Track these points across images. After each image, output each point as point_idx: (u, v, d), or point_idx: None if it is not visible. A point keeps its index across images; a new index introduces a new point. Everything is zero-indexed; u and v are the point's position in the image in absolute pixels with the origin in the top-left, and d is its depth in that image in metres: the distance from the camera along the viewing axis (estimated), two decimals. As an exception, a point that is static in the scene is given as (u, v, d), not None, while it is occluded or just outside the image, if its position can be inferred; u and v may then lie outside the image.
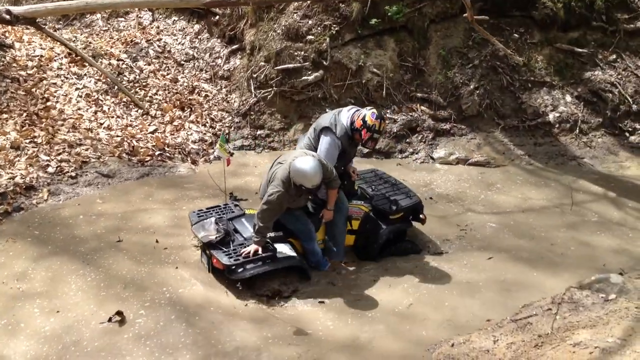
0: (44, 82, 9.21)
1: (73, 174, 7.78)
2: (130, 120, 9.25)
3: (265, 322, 5.46)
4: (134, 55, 10.65)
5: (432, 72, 10.21)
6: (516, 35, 10.22)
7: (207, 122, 9.76)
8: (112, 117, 9.15)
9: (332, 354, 5.08)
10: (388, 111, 9.89)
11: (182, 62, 10.91)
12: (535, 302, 5.50)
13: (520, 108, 9.92)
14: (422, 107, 10.01)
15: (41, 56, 9.68)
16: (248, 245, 5.75)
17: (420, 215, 6.65)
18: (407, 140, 9.76)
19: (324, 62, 9.86)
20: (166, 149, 8.91)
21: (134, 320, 5.34)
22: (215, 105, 10.16)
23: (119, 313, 5.32)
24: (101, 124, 8.92)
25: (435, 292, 5.97)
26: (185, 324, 5.35)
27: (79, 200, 7.47)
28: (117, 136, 8.75)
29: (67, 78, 9.52)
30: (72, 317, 5.36)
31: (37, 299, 5.61)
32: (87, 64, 9.88)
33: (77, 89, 9.37)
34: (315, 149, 6.04)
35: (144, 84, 10.11)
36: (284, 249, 5.87)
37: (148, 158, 8.51)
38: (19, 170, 7.50)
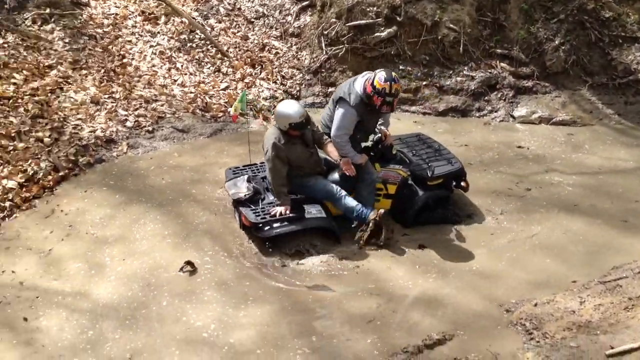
0: (120, 39, 9.90)
1: (150, 128, 8.45)
2: (203, 77, 9.82)
3: (341, 277, 5.84)
4: (205, 13, 11.17)
5: (514, 27, 10.25)
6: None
7: (277, 80, 10.22)
8: (185, 74, 9.75)
9: (410, 307, 5.39)
10: (465, 68, 10.06)
11: (252, 20, 11.34)
12: (625, 265, 5.63)
13: (610, 65, 9.85)
14: (502, 64, 10.09)
15: (116, 14, 10.36)
16: (277, 205, 6.09)
17: (462, 183, 6.70)
18: (486, 98, 9.89)
19: (398, 18, 10.08)
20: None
21: (206, 268, 5.91)
22: (286, 62, 10.59)
23: (189, 263, 5.84)
24: (175, 81, 9.55)
25: (516, 251, 6.17)
26: (260, 274, 5.86)
27: (156, 153, 8.13)
28: (191, 92, 9.36)
29: (141, 36, 10.18)
30: (150, 262, 5.99)
31: (117, 244, 6.28)
32: (159, 22, 10.51)
33: (151, 46, 10.02)
34: (332, 117, 6.32)
35: (215, 41, 10.63)
36: (313, 210, 6.11)
37: (220, 114, 9.06)
38: (99, 124, 8.21)
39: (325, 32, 10.41)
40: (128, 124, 8.41)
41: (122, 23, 10.26)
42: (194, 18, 10.86)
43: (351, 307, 5.39)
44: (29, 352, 4.92)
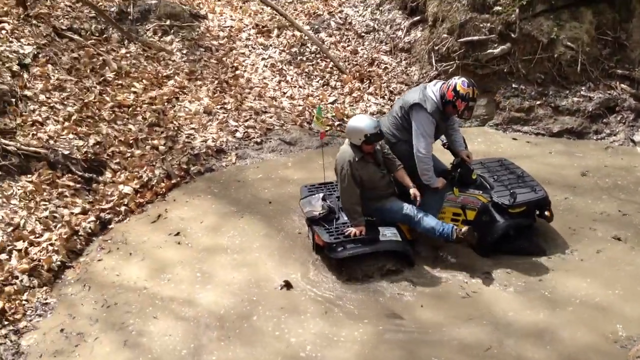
0: (234, 51, 9.79)
1: (258, 139, 8.21)
2: (312, 90, 9.52)
3: (445, 300, 5.44)
4: (316, 26, 10.89)
5: (636, 47, 9.32)
6: None
7: (385, 95, 9.75)
8: (295, 86, 9.48)
9: (519, 339, 4.95)
10: (583, 88, 9.22)
11: (363, 34, 10.95)
12: None
13: None
14: (623, 85, 9.19)
15: (231, 27, 10.27)
16: (350, 225, 5.65)
17: (546, 212, 6.07)
18: (604, 120, 9.03)
19: (512, 35, 9.36)
20: (345, 119, 9.02)
21: (308, 284, 5.67)
22: (395, 77, 10.10)
23: (286, 283, 5.61)
24: (284, 93, 9.29)
25: (629, 284, 5.58)
26: (363, 293, 5.53)
27: (264, 164, 7.88)
28: (299, 105, 9.07)
29: (254, 48, 10.02)
30: (255, 274, 5.78)
31: (223, 253, 6.11)
32: (272, 35, 10.29)
33: (263, 59, 9.84)
34: (403, 128, 5.82)
35: (325, 55, 10.31)
36: (388, 232, 5.68)
37: (327, 128, 8.68)
38: (211, 134, 8.06)
39: (436, 48, 9.83)
40: (238, 134, 8.20)
41: (237, 35, 10.16)
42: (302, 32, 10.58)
43: (458, 334, 5.03)
44: (134, 356, 4.85)
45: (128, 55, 8.68)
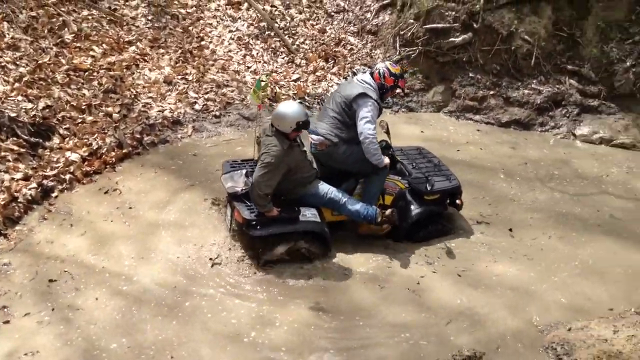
0: (201, 21, 8.88)
1: (217, 113, 7.45)
2: (276, 67, 8.73)
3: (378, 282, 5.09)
4: (287, 2, 10.01)
5: (587, 44, 8.84)
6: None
7: (348, 76, 9.00)
8: (260, 61, 8.67)
9: (448, 320, 4.72)
10: (534, 81, 8.73)
11: (332, 13, 10.13)
12: None
13: (679, 93, 8.39)
14: (571, 81, 8.74)
15: (201, -4, 9.30)
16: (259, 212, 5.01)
17: (457, 201, 5.76)
18: (550, 113, 8.63)
19: (474, 25, 8.74)
20: (306, 97, 8.34)
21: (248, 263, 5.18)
22: (359, 59, 9.35)
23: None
24: (248, 68, 8.48)
25: (557, 271, 5.39)
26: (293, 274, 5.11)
27: (220, 139, 7.15)
28: (262, 81, 8.22)
29: (222, 20, 9.11)
30: (198, 252, 5.22)
31: (168, 228, 5.49)
32: (242, 8, 9.39)
33: (230, 31, 8.96)
34: (345, 126, 5.27)
35: (293, 32, 9.49)
36: (308, 213, 5.13)
37: (260, 102, 7.91)
38: (169, 104, 7.27)
39: (402, 33, 9.11)
40: (197, 106, 7.41)
41: (206, 5, 9.20)
42: (274, 6, 9.68)
43: (390, 314, 4.72)
44: (64, 331, 4.26)
45: (90, 17, 7.71)
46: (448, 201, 5.83)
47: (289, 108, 4.89)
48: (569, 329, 4.60)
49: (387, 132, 5.70)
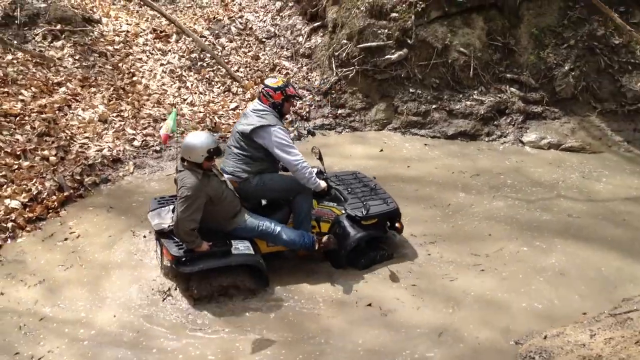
0: (130, 57, 9.48)
1: (157, 148, 8.00)
2: (212, 97, 9.40)
3: (345, 305, 5.42)
4: (217, 32, 10.77)
5: (524, 52, 9.85)
6: (616, 14, 9.67)
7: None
8: (195, 93, 9.32)
9: (420, 341, 4.98)
10: (475, 92, 9.62)
11: (264, 40, 10.94)
12: (636, 297, 5.26)
13: (619, 92, 9.43)
14: (512, 89, 9.68)
15: (127, 31, 9.96)
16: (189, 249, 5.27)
17: (396, 224, 6.06)
18: (495, 122, 9.48)
19: (409, 41, 9.63)
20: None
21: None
22: (296, 83, 10.13)
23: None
24: (184, 100, 9.12)
25: (525, 280, 5.78)
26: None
27: (164, 173, 7.66)
28: (200, 112, 8.91)
29: (152, 54, 9.76)
30: (150, 289, 5.53)
31: (119, 269, 5.82)
32: (171, 41, 10.08)
33: (161, 64, 9.60)
34: (251, 159, 5.53)
35: (225, 60, 10.21)
36: (240, 246, 5.37)
37: (229, 134, 8.58)
38: (107, 142, 7.76)
39: (336, 54, 9.96)
40: (136, 143, 7.96)
41: (134, 41, 9.85)
42: (204, 37, 10.41)
43: (358, 338, 5.00)
44: None
45: (15, 61, 8.21)
46: (388, 225, 6.11)
47: (198, 138, 5.19)
48: (545, 336, 4.78)
49: (320, 158, 6.12)
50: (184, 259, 5.16)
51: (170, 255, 5.21)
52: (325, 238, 5.64)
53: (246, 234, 5.44)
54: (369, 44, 9.69)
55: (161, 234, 5.43)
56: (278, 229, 5.48)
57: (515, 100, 9.59)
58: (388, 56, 9.65)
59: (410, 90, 9.65)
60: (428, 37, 9.66)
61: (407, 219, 6.37)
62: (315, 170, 5.85)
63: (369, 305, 5.40)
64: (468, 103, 9.58)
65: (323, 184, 5.70)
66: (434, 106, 9.59)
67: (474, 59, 9.66)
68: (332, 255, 5.91)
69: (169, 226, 5.39)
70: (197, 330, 5.05)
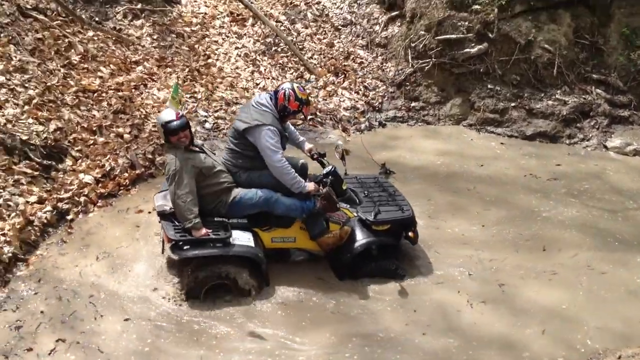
0: (206, 39, 9.51)
1: (227, 131, 7.92)
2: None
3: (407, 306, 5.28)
4: (292, 17, 10.67)
5: (612, 52, 9.38)
6: None
7: (360, 90, 9.59)
8: (268, 78, 9.26)
9: (484, 352, 4.79)
10: (558, 92, 9.19)
11: (339, 27, 10.77)
12: None
13: None
14: (598, 90, 9.23)
15: (205, 14, 9.96)
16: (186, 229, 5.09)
17: (410, 233, 5.68)
18: (578, 125, 9.07)
19: (490, 35, 9.31)
20: (318, 113, 8.87)
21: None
22: (370, 73, 9.95)
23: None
24: (257, 84, 9.07)
25: (605, 295, 5.48)
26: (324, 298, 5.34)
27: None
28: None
29: (227, 37, 9.75)
30: None
31: None
32: (247, 24, 10.03)
33: (236, 48, 9.58)
34: (242, 156, 5.40)
35: (300, 47, 10.10)
36: (241, 237, 5.17)
37: (300, 122, 8.48)
38: (179, 123, 7.75)
39: (413, 45, 9.70)
40: (207, 125, 7.96)
41: (210, 23, 9.86)
42: (279, 22, 10.31)
43: (420, 343, 4.87)
44: (86, 356, 4.54)
45: (95, 38, 8.32)
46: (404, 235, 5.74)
47: (159, 115, 5.14)
48: (619, 356, 4.60)
49: (342, 158, 5.92)
50: (180, 243, 4.99)
51: (167, 238, 5.07)
52: (323, 191, 5.32)
53: (249, 204, 5.28)
54: (447, 36, 9.40)
55: (162, 216, 5.26)
56: (277, 196, 5.32)
57: (601, 102, 9.14)
58: (467, 50, 9.34)
59: (489, 86, 9.32)
60: (511, 32, 9.30)
61: (472, 220, 6.29)
62: (330, 169, 5.62)
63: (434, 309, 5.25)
64: (550, 103, 9.17)
65: (310, 186, 5.39)
66: (512, 104, 9.23)
67: (559, 57, 9.24)
68: (337, 260, 5.62)
69: (170, 208, 5.20)
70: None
